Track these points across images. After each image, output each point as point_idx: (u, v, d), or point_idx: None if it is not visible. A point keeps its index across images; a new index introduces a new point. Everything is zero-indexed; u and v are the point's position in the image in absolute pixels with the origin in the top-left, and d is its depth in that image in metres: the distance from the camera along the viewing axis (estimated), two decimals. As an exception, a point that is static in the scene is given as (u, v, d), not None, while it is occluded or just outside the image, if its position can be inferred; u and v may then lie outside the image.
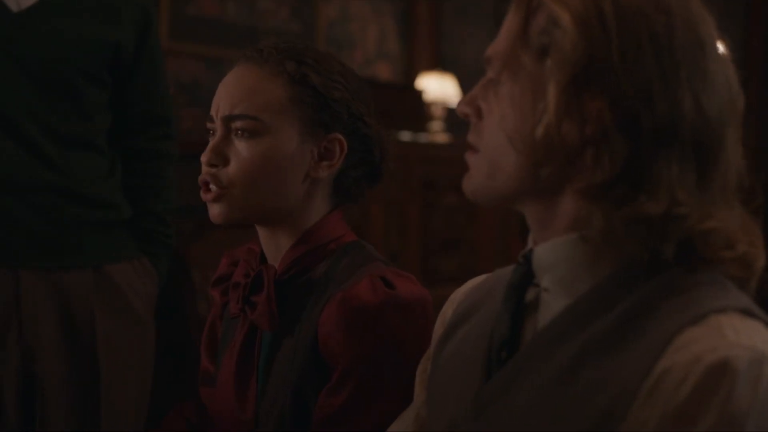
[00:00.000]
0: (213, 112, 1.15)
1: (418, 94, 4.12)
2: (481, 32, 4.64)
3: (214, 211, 1.13)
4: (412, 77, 4.49)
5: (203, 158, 1.13)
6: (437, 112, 4.29)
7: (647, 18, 0.75)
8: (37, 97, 1.62)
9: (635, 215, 0.74)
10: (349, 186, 1.19)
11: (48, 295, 1.64)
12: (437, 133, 4.22)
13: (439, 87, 4.29)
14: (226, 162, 1.12)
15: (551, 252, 0.81)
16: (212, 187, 1.12)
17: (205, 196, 1.13)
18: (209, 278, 3.50)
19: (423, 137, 4.03)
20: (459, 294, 1.01)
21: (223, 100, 1.14)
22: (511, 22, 0.81)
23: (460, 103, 0.85)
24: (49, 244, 1.64)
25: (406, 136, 3.80)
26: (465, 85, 4.35)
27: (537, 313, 0.83)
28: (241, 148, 1.12)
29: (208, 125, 1.15)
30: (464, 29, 4.76)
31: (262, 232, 1.18)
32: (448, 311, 1.00)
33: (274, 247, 1.17)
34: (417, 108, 4.02)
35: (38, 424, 1.64)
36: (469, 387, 0.85)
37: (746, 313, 0.74)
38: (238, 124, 1.12)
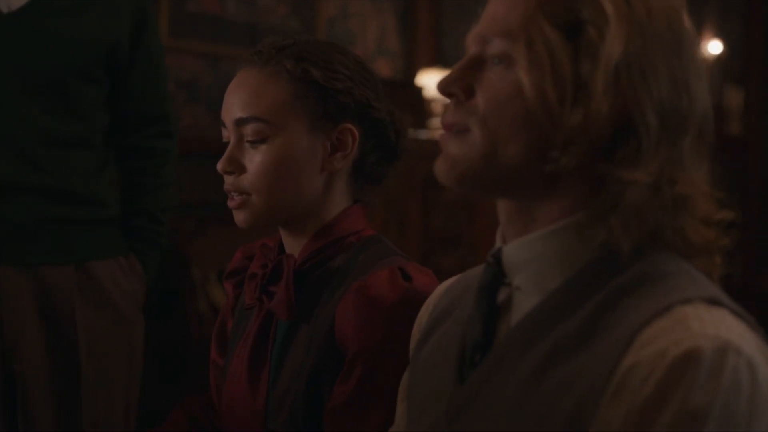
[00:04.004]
0: (223, 117, 1.16)
1: (418, 91, 4.11)
2: (481, 29, 4.63)
3: (239, 217, 1.15)
4: (412, 74, 4.49)
5: (219, 167, 1.14)
6: (437, 108, 4.29)
7: (666, 14, 0.78)
8: (29, 98, 1.61)
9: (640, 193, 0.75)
10: (368, 171, 1.20)
11: (28, 290, 1.64)
12: (437, 130, 4.22)
13: (439, 84, 4.29)
14: (241, 169, 1.14)
15: (523, 250, 0.81)
16: (234, 195, 1.14)
17: (229, 204, 1.16)
18: (209, 276, 3.50)
19: (423, 134, 4.03)
20: (433, 298, 0.99)
21: (232, 105, 1.15)
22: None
23: (444, 82, 0.82)
24: (30, 240, 1.63)
25: (406, 133, 3.80)
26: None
27: (510, 314, 0.82)
28: (254, 153, 1.13)
29: (223, 132, 1.17)
30: (464, 26, 4.75)
31: (282, 228, 1.20)
32: (423, 316, 0.98)
33: (295, 240, 1.18)
34: (417, 105, 4.02)
35: (21, 421, 1.64)
36: (443, 392, 0.84)
37: (712, 302, 0.73)
38: (248, 129, 1.13)
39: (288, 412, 1.10)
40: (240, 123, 1.13)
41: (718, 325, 0.71)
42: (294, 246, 1.18)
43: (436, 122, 4.27)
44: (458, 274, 1.00)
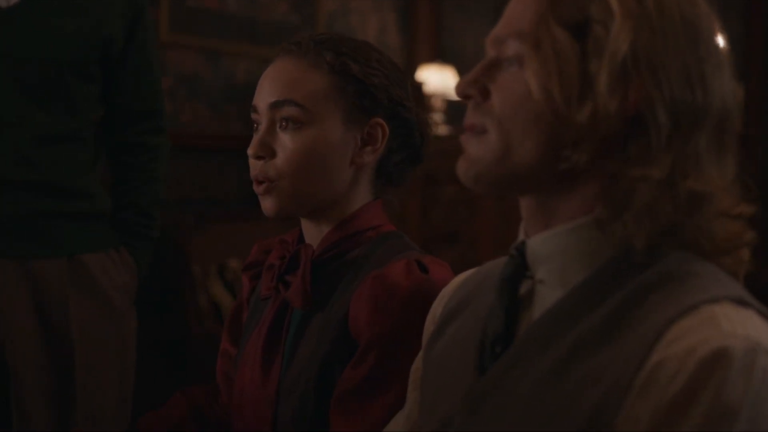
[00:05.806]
0: (257, 102, 1.16)
1: (418, 86, 4.11)
2: (482, 24, 4.63)
3: (266, 203, 1.15)
4: (412, 69, 4.49)
5: (250, 151, 1.15)
6: (437, 104, 4.29)
7: (680, 7, 0.78)
8: (23, 93, 1.61)
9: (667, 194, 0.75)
10: (391, 170, 1.21)
11: (21, 283, 1.65)
12: (437, 126, 4.22)
13: (439, 79, 4.29)
14: (272, 154, 1.14)
15: (547, 243, 0.81)
16: (262, 180, 1.14)
17: (256, 189, 1.16)
18: (209, 272, 3.49)
19: (423, 130, 4.03)
20: (448, 290, 1.00)
21: (267, 90, 1.15)
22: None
23: (461, 84, 0.83)
24: (21, 233, 1.64)
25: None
26: (465, 78, 4.34)
27: (532, 307, 0.82)
28: (286, 139, 1.13)
29: (253, 117, 1.17)
30: (464, 21, 4.75)
31: (304, 219, 1.21)
32: (437, 309, 0.99)
33: (315, 231, 1.19)
34: (417, 100, 4.02)
35: (15, 415, 1.64)
36: (461, 383, 0.84)
37: (739, 302, 0.74)
38: (283, 112, 1.13)
39: (298, 399, 1.11)
40: (275, 106, 1.14)
41: (746, 325, 0.71)
42: (314, 237, 1.19)
43: (435, 118, 4.26)
44: (470, 270, 1.00)
